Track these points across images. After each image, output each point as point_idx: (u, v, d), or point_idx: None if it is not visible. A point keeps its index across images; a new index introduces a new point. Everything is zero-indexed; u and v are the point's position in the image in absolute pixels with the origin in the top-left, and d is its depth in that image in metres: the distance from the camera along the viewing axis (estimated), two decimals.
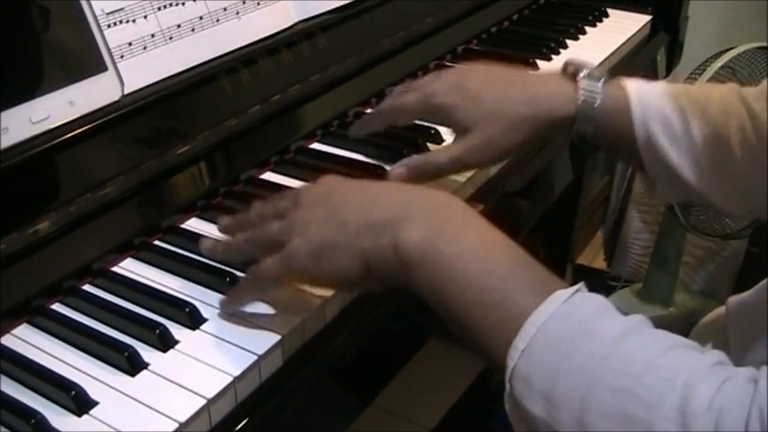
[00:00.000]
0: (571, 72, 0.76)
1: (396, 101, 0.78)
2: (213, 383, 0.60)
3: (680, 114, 0.75)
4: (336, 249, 0.60)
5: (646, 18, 1.33)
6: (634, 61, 1.28)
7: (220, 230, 0.72)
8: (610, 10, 1.35)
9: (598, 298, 0.54)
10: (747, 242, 1.85)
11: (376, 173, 0.85)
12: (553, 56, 1.18)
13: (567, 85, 0.76)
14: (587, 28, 1.28)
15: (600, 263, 2.14)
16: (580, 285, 0.54)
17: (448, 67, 0.83)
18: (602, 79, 0.75)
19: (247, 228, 0.67)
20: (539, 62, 1.15)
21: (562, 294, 0.53)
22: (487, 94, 0.74)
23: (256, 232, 0.66)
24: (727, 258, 1.92)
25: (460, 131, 0.77)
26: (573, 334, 0.51)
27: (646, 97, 0.75)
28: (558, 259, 1.74)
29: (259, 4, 0.90)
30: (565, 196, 1.46)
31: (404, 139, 0.92)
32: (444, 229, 0.58)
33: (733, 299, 0.72)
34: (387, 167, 0.86)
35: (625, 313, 0.54)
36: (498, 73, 0.78)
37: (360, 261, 0.60)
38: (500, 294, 0.55)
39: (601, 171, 2.19)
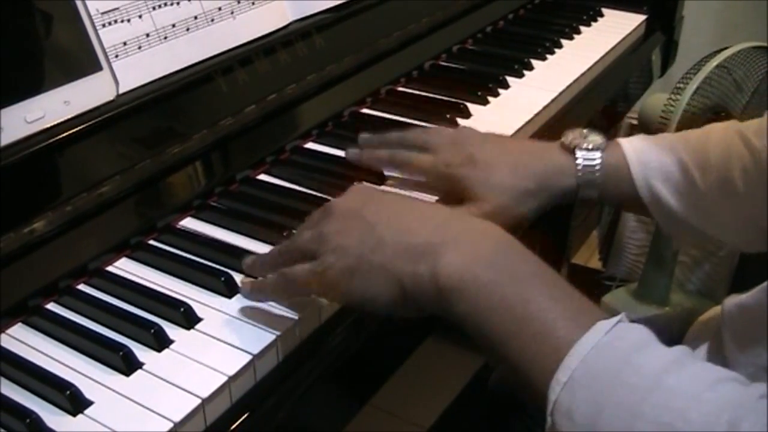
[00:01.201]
0: (569, 144, 0.80)
1: (412, 159, 0.82)
2: (208, 383, 0.60)
3: (681, 166, 0.78)
4: (371, 270, 0.60)
5: (642, 18, 1.33)
6: (629, 60, 1.28)
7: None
8: (605, 10, 1.35)
9: (639, 329, 0.53)
10: None
11: (371, 172, 0.85)
12: (548, 56, 1.18)
13: (567, 158, 0.80)
14: (582, 28, 1.29)
15: (595, 263, 2.14)
16: (622, 316, 0.53)
17: (457, 127, 0.89)
18: (600, 149, 0.79)
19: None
20: (534, 62, 1.15)
21: (604, 325, 0.52)
22: (498, 171, 0.79)
23: (288, 243, 0.66)
24: (723, 258, 1.92)
25: (470, 200, 0.79)
26: (616, 367, 0.50)
27: (644, 156, 0.79)
28: (554, 258, 1.74)
29: (254, 3, 0.90)
30: None
31: None
32: (482, 256, 0.58)
33: (730, 300, 0.72)
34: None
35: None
36: (509, 150, 0.82)
37: (396, 285, 0.59)
38: (540, 324, 0.54)
39: None
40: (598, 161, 0.79)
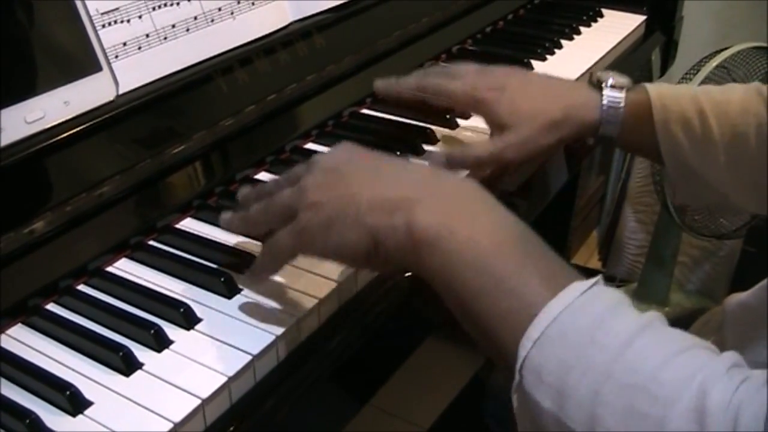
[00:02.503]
0: (596, 81, 0.84)
1: (441, 85, 0.84)
2: (208, 383, 0.60)
3: (700, 115, 0.79)
4: (346, 223, 0.59)
5: (641, 18, 1.34)
6: (629, 61, 1.28)
7: (239, 199, 0.71)
8: (605, 10, 1.35)
9: (615, 292, 0.53)
10: (742, 242, 1.85)
11: None
12: (547, 56, 1.18)
13: (594, 93, 0.83)
14: (582, 28, 1.28)
15: (595, 263, 2.15)
16: (598, 278, 0.53)
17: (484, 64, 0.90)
18: (625, 88, 0.83)
19: (263, 198, 0.67)
20: (534, 62, 1.15)
21: (580, 286, 0.52)
22: (526, 99, 0.81)
23: (269, 200, 0.65)
24: (722, 257, 1.92)
25: (496, 128, 0.83)
26: (588, 327, 0.50)
27: (667, 101, 0.81)
28: None
29: (254, 4, 0.90)
30: (560, 196, 1.46)
31: (399, 140, 0.92)
32: (459, 212, 0.57)
33: (732, 299, 0.72)
34: None
35: None
36: (536, 81, 0.86)
37: (369, 237, 0.58)
38: (515, 281, 0.53)
39: (596, 171, 2.19)
40: (623, 99, 0.82)
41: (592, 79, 0.84)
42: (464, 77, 0.84)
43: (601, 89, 0.83)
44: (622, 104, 0.82)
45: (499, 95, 0.81)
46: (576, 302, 0.51)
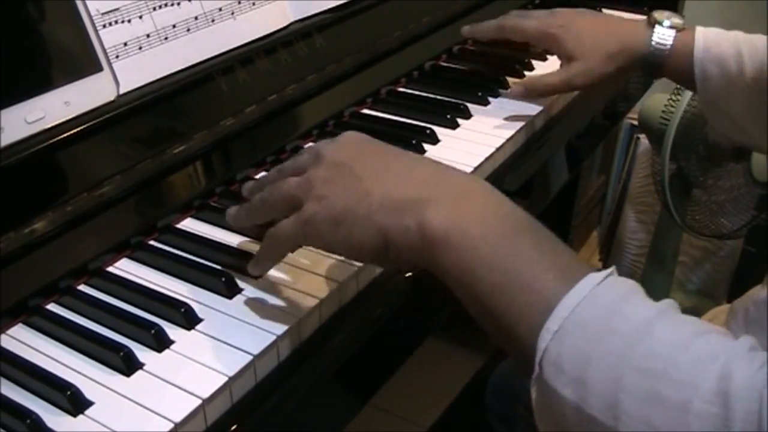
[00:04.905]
0: (653, 21, 0.95)
1: (517, 23, 1.00)
2: (208, 383, 0.60)
3: (737, 57, 0.89)
4: (356, 221, 0.59)
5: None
6: None
7: (244, 194, 0.71)
8: (606, 11, 1.35)
9: (629, 282, 0.53)
10: (743, 242, 1.85)
11: None
12: (548, 56, 1.17)
13: (647, 31, 0.95)
14: None
15: (596, 263, 2.14)
16: (612, 269, 0.53)
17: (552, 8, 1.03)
18: (676, 29, 0.94)
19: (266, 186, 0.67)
20: (535, 62, 1.15)
21: (595, 277, 0.52)
22: (590, 34, 0.96)
23: (273, 188, 0.65)
24: (723, 257, 1.92)
25: (565, 60, 0.98)
26: (605, 316, 0.50)
27: (709, 42, 0.91)
28: None
29: (254, 4, 0.90)
30: (561, 196, 1.46)
31: (401, 139, 0.92)
32: (470, 210, 0.58)
33: (745, 300, 0.72)
34: None
35: None
36: (599, 19, 1.02)
37: (380, 237, 0.59)
38: (530, 276, 0.54)
39: (597, 171, 2.19)
40: (672, 38, 0.93)
41: (650, 20, 0.95)
42: (537, 17, 0.99)
43: (653, 28, 0.94)
44: (669, 44, 0.93)
45: (566, 31, 0.96)
46: (592, 293, 0.51)
